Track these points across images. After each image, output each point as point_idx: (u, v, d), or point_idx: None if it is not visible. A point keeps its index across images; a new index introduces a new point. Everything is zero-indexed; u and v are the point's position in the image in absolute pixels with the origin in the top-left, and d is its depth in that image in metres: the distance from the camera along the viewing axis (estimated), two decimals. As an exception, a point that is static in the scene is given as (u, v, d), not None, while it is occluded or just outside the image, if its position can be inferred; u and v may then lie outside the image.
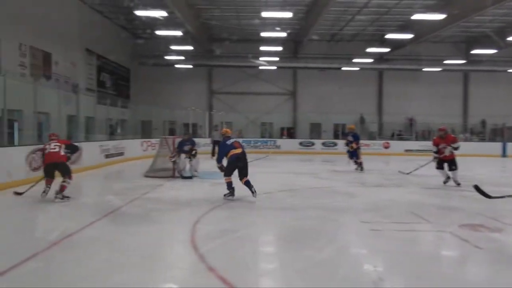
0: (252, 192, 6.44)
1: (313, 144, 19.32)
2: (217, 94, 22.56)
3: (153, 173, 9.56)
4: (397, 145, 19.16)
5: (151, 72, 21.44)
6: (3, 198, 6.66)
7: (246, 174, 6.54)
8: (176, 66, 20.45)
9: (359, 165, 11.07)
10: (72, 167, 7.02)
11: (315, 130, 21.71)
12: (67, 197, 6.27)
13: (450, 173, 8.39)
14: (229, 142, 6.74)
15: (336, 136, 20.58)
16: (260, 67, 20.89)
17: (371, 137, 20.73)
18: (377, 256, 3.91)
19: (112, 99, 15.75)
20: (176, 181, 8.80)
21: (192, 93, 22.00)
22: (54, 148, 6.36)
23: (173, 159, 9.22)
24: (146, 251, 3.92)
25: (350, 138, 11.22)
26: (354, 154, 11.21)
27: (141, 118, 17.05)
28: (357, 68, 21.05)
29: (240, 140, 19.54)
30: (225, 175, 6.56)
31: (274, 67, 20.84)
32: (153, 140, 15.20)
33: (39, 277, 3.30)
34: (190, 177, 9.17)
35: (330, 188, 8.16)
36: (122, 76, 20.70)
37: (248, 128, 21.04)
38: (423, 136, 20.86)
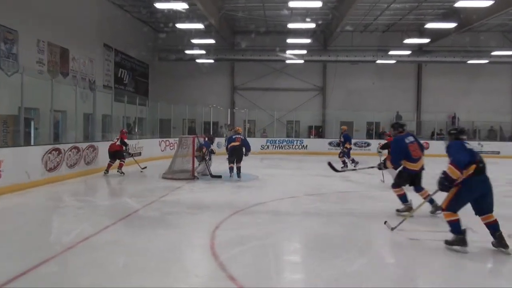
0: (238, 176, 9.45)
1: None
2: (240, 90, 22.65)
3: (172, 174, 9.70)
4: (438, 146, 18.61)
5: (171, 67, 21.79)
6: (21, 199, 6.91)
7: (239, 162, 9.71)
8: (197, 61, 20.66)
9: (345, 164, 11.90)
10: (87, 168, 9.71)
11: (347, 130, 21.38)
12: (123, 172, 10.11)
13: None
14: (234, 136, 9.78)
15: (369, 136, 20.24)
16: (287, 61, 20.80)
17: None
18: (415, 270, 3.80)
19: (130, 96, 16.08)
20: (196, 183, 8.90)
21: (214, 89, 22.20)
22: (115, 141, 10.31)
23: (206, 158, 9.75)
24: (164, 256, 3.97)
25: (342, 139, 12.30)
26: (346, 154, 12.12)
27: (160, 116, 17.32)
28: (393, 61, 20.59)
29: (265, 140, 19.46)
30: (229, 162, 9.69)
31: (302, 61, 20.68)
32: (172, 140, 15.41)
33: (53, 282, 3.39)
34: (219, 176, 9.53)
35: (362, 192, 8.04)
36: (141, 72, 21.11)
37: (273, 126, 21.00)
38: (468, 136, 20.22)
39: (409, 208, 5.94)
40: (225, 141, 11.54)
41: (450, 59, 20.23)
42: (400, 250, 4.41)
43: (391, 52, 20.04)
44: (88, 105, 12.88)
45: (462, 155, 4.25)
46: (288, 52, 19.76)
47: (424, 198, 5.81)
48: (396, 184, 6.09)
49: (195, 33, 17.79)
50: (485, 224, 4.32)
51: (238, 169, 9.68)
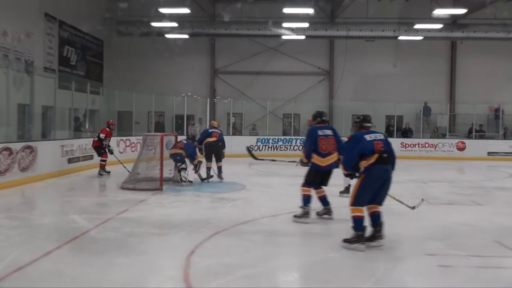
0: (220, 178, 10.63)
1: (356, 144, 19.31)
2: (223, 74, 22.69)
3: (133, 184, 9.66)
4: (477, 146, 18.87)
5: (133, 45, 21.67)
6: None
7: (219, 160, 10.81)
8: (167, 36, 20.59)
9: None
10: (22, 175, 9.58)
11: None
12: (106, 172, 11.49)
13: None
14: (210, 130, 10.96)
15: (389, 133, 20.41)
16: (283, 37, 20.84)
17: (439, 134, 20.52)
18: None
19: (80, 82, 15.98)
20: (165, 195, 8.89)
21: (188, 73, 22.16)
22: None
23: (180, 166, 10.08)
24: (123, 292, 3.95)
25: None
26: None
27: (118, 108, 17.23)
28: (420, 37, 20.74)
29: (254, 138, 19.53)
30: (206, 160, 10.74)
31: (303, 37, 20.74)
32: (134, 139, 15.34)
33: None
34: (207, 178, 10.39)
35: (383, 206, 8.05)
36: (94, 52, 21.00)
37: (265, 121, 21.03)
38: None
39: (305, 213, 6.66)
40: (198, 136, 11.69)
41: (493, 34, 20.35)
42: (428, 280, 4.43)
43: (417, 26, 20.16)
44: (24, 94, 12.76)
45: (350, 155, 5.52)
46: (285, 25, 19.78)
47: (319, 198, 6.86)
48: (307, 183, 6.77)
49: (165, 0, 17.73)
50: (370, 213, 5.47)
51: (219, 168, 10.72)
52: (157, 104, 18.42)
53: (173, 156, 10.17)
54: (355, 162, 5.46)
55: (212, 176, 10.62)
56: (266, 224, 6.57)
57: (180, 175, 10.01)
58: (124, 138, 15.40)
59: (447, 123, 21.07)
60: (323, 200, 6.92)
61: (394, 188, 10.13)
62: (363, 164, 5.38)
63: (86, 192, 9.63)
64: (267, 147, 19.12)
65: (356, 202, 5.35)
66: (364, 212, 5.39)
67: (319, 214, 6.91)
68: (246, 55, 22.14)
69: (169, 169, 10.42)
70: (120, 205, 7.79)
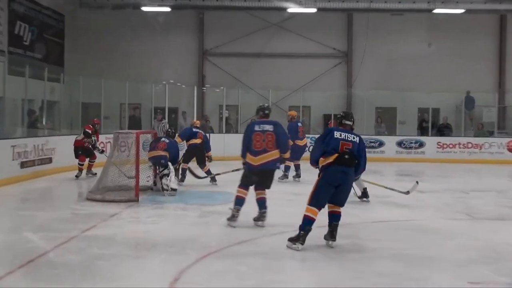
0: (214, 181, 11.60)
1: (381, 144, 19.40)
2: (213, 57, 22.67)
3: (102, 193, 9.65)
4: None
5: (102, 21, 21.65)
6: None
7: (204, 164, 11.66)
8: (144, 9, 20.58)
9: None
10: None
11: (386, 120, 21.64)
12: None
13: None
14: (194, 130, 11.68)
15: (423, 131, 20.45)
16: (289, 10, 20.85)
17: (485, 132, 20.52)
18: None
19: (35, 66, 15.94)
20: (142, 208, 8.90)
21: (171, 56, 22.12)
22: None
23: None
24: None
25: None
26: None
27: (83, 99, 17.16)
28: (461, 10, 20.73)
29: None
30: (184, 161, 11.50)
31: (314, 10, 20.74)
32: (102, 137, 15.32)
33: None
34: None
35: (413, 222, 8.14)
36: (54, 29, 20.93)
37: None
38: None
39: (233, 216, 7.41)
40: (178, 135, 11.88)
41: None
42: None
43: (457, -4, 20.17)
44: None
45: (317, 150, 6.54)
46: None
47: (257, 200, 7.60)
48: (241, 184, 7.52)
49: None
50: (329, 212, 6.45)
51: (208, 172, 11.70)
52: (132, 94, 18.38)
53: (155, 160, 10.21)
54: (318, 157, 6.42)
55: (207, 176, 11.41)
56: (267, 245, 6.58)
57: (162, 183, 10.03)
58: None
59: (495, 118, 21.05)
60: (259, 202, 7.59)
61: (426, 198, 10.25)
62: (321, 161, 6.38)
63: (44, 204, 9.61)
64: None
65: (312, 202, 6.30)
66: (317, 213, 6.27)
67: (254, 220, 7.56)
68: (243, 32, 22.09)
69: (146, 175, 10.43)
70: (85, 220, 7.78)
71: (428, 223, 8.08)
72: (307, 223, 6.18)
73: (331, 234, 6.38)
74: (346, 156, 6.17)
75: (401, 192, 9.58)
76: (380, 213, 8.92)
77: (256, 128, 7.42)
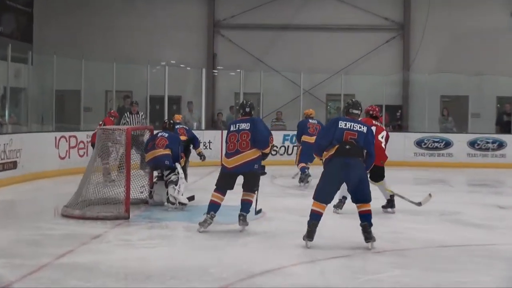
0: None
1: (447, 144, 19.28)
2: (227, 30, 22.80)
3: (82, 209, 9.65)
4: None
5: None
6: None
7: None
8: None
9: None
10: None
11: (455, 113, 21.52)
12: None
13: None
14: (177, 126, 11.91)
15: (503, 127, 20.24)
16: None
17: None
18: None
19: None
20: (134, 227, 8.90)
21: (172, 30, 22.28)
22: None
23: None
24: None
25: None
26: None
27: (57, 86, 17.19)
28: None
29: (280, 134, 19.60)
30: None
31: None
32: (82, 135, 15.43)
33: None
34: (191, 198, 10.48)
35: (490, 248, 8.06)
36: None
37: (298, 106, 20.98)
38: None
39: (204, 221, 8.42)
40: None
41: None
42: None
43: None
44: None
45: (321, 139, 7.79)
46: None
47: (241, 201, 8.59)
48: (217, 188, 8.59)
49: None
50: (358, 212, 7.61)
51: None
52: (121, 79, 18.46)
53: (155, 162, 10.28)
54: (322, 148, 7.61)
55: (193, 198, 10.75)
56: (298, 276, 6.54)
57: (168, 193, 10.04)
58: (66, 134, 15.45)
59: None
60: (241, 204, 8.62)
61: (509, 216, 10.18)
62: (324, 155, 7.59)
63: (5, 222, 9.54)
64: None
65: (316, 196, 7.59)
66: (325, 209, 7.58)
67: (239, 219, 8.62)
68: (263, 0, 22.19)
69: (140, 184, 10.47)
70: (60, 243, 7.78)
71: (510, 249, 8.03)
72: (312, 218, 7.47)
73: (366, 236, 7.49)
74: (347, 146, 7.31)
75: (412, 202, 9.98)
76: (447, 235, 8.84)
77: (232, 128, 8.55)
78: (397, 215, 10.41)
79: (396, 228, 9.31)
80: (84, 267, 6.75)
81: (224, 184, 8.53)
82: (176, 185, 9.97)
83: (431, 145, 19.02)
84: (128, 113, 16.38)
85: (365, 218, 7.51)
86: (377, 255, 7.51)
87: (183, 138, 11.86)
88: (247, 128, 8.34)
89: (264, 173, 8.98)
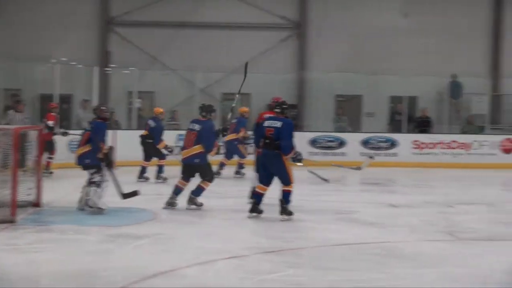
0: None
1: (341, 143, 19.56)
2: (122, 27, 22.54)
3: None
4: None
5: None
6: None
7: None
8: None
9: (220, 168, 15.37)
10: None
11: (349, 112, 21.89)
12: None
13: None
14: None
15: (395, 126, 20.82)
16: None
17: (475, 127, 21.01)
18: None
19: None
20: (21, 231, 8.68)
21: (61, 26, 21.81)
22: None
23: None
24: None
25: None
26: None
27: None
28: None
29: (173, 134, 19.52)
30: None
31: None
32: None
33: None
34: (134, 194, 10.26)
35: (383, 245, 8.24)
36: None
37: (194, 105, 20.85)
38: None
39: (171, 203, 10.47)
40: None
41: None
42: None
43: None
44: None
45: (255, 137, 10.06)
46: None
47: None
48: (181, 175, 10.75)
49: None
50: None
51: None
52: (9, 76, 18.05)
53: (78, 162, 10.13)
54: (256, 143, 9.85)
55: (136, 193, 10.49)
56: (192, 277, 6.51)
57: (89, 195, 9.90)
58: None
59: (486, 110, 21.60)
60: (175, 189, 10.55)
61: (400, 214, 10.48)
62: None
63: None
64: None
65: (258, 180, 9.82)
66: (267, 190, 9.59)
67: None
68: (160, -4, 22.10)
69: (28, 186, 10.22)
70: None
71: (402, 246, 8.16)
72: (254, 196, 9.82)
73: (280, 210, 9.50)
74: (267, 141, 9.30)
75: (322, 178, 11.05)
76: (341, 234, 8.96)
77: (189, 126, 10.61)
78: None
79: (291, 228, 9.37)
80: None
81: (182, 172, 10.60)
82: (98, 188, 9.81)
83: (326, 144, 19.26)
84: (12, 111, 15.79)
85: (282, 196, 9.45)
86: (272, 254, 7.56)
87: None
88: (197, 129, 10.36)
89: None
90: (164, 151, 14.29)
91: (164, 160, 14.35)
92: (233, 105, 12.52)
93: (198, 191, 10.35)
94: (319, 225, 9.59)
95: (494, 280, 6.58)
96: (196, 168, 10.42)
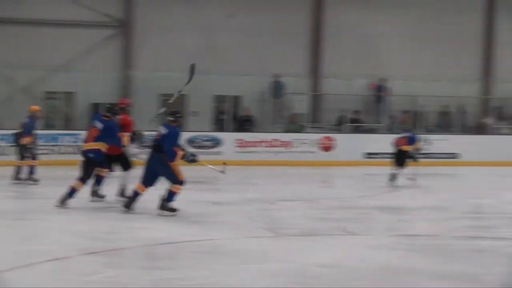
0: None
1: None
2: None
3: None
4: (350, 144, 20.32)
5: None
6: None
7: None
8: None
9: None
10: None
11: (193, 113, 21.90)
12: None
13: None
14: None
15: (219, 125, 21.02)
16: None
17: (297, 126, 21.62)
18: None
19: None
20: None
21: None
22: None
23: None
24: None
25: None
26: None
27: None
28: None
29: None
30: None
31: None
32: None
33: None
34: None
35: (205, 243, 8.30)
36: None
37: (14, 105, 20.21)
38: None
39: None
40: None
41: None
42: None
43: None
44: None
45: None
46: None
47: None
48: None
49: None
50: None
51: None
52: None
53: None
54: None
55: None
56: (12, 281, 6.30)
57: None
58: None
59: (306, 109, 22.31)
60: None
61: (223, 212, 10.67)
62: None
63: None
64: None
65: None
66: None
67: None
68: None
69: None
70: None
71: (225, 244, 8.29)
72: (134, 194, 10.34)
73: (159, 205, 10.03)
74: (155, 143, 10.34)
75: (219, 170, 11.45)
76: (165, 232, 8.99)
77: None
78: (116, 214, 10.45)
79: (114, 228, 9.40)
80: None
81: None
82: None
83: (148, 143, 19.17)
84: None
85: (167, 194, 10.01)
86: (94, 256, 7.50)
87: None
88: (99, 127, 11.04)
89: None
90: None
91: None
92: (170, 101, 12.99)
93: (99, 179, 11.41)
94: (142, 224, 9.57)
95: (314, 274, 6.74)
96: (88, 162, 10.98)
